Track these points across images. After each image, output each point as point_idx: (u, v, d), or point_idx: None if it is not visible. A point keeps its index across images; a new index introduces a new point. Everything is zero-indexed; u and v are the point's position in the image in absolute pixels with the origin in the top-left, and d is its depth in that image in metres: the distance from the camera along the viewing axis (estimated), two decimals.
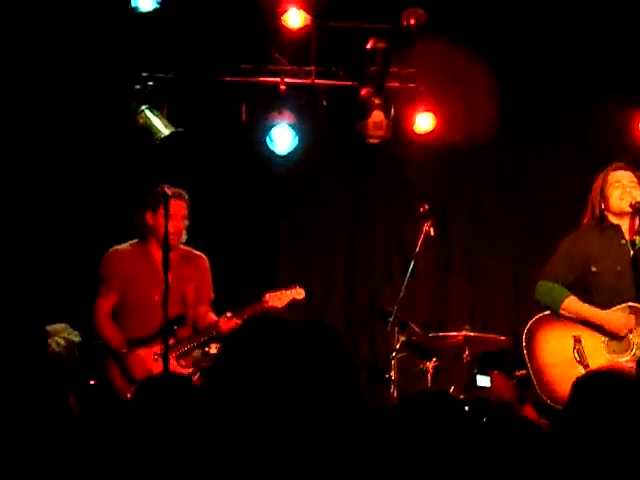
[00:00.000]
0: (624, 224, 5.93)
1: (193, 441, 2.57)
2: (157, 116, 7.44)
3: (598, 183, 6.02)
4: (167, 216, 5.91)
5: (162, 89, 7.57)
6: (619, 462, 2.84)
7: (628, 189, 5.90)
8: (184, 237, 6.45)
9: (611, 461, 2.87)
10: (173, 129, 7.40)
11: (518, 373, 6.62)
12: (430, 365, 7.07)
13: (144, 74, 7.57)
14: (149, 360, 6.16)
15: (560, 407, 5.55)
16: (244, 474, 1.78)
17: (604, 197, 5.96)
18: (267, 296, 6.42)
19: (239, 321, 6.23)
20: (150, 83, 7.53)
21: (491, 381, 7.01)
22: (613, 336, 5.79)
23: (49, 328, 6.14)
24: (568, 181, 8.06)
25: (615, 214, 5.93)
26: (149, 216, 6.33)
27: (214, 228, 6.92)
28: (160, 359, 5.96)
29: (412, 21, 7.56)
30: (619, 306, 5.78)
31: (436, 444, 2.52)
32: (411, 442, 2.51)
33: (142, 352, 6.17)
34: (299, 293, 6.53)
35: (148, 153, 7.45)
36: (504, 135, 8.27)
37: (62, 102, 7.49)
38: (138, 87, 7.48)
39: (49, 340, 6.07)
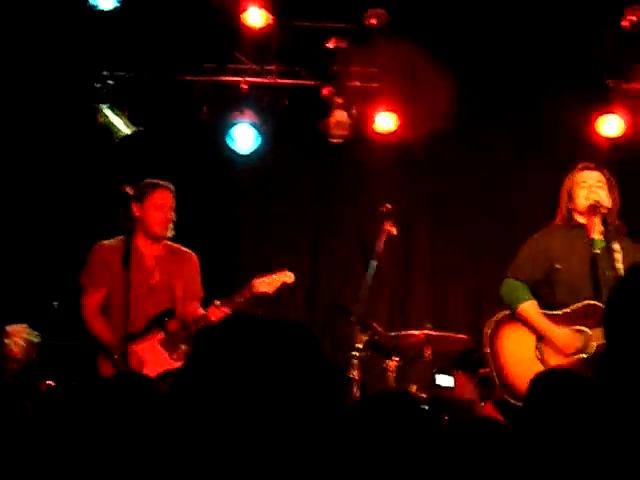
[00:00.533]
0: (588, 224, 5.98)
1: (161, 443, 2.55)
2: (117, 115, 7.41)
3: (566, 183, 6.08)
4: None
5: (123, 88, 7.54)
6: (574, 460, 2.86)
7: (594, 189, 5.95)
8: (170, 232, 6.33)
9: (567, 459, 2.89)
10: (134, 128, 7.38)
11: (482, 371, 6.65)
12: (392, 364, 7.06)
13: (104, 73, 7.53)
14: (143, 354, 6.06)
15: (519, 403, 5.60)
16: (215, 472, 1.77)
17: (571, 197, 6.01)
18: (255, 282, 6.20)
19: (228, 310, 6.11)
20: (110, 82, 7.49)
21: (454, 380, 7.03)
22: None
23: (8, 329, 6.11)
24: (529, 180, 8.13)
25: (581, 213, 5.99)
26: (136, 208, 6.15)
27: (175, 228, 6.85)
28: (161, 348, 5.97)
29: (374, 21, 7.59)
30: (575, 305, 5.83)
31: (394, 443, 2.52)
32: (369, 441, 2.51)
33: (135, 346, 6.04)
34: (289, 276, 6.32)
35: (108, 152, 7.42)
36: (465, 135, 8.32)
37: (22, 101, 7.43)
38: (98, 86, 7.44)
39: (7, 341, 6.06)
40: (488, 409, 6.34)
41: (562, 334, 5.81)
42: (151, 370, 5.95)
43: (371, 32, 7.62)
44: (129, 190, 5.98)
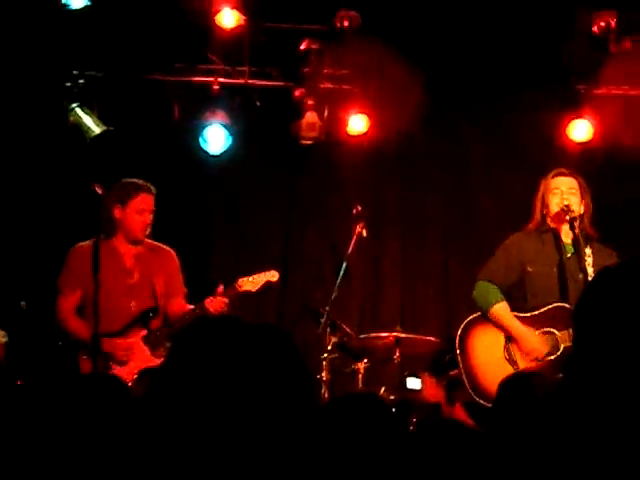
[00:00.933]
0: (561, 228, 6.06)
1: (132, 445, 2.54)
2: (88, 114, 7.38)
3: (540, 188, 6.15)
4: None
5: (93, 87, 7.50)
6: (541, 463, 2.87)
7: (566, 195, 6.01)
8: (148, 230, 6.34)
9: (534, 461, 2.90)
10: (104, 128, 7.35)
11: (452, 373, 6.68)
12: (361, 366, 7.07)
13: (75, 72, 7.49)
14: (125, 351, 6.04)
15: (488, 404, 5.64)
16: (190, 475, 1.77)
17: (544, 203, 6.08)
18: (240, 280, 6.26)
19: (226, 300, 6.14)
20: (81, 81, 7.46)
21: (421, 383, 7.05)
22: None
23: None
24: (500, 183, 8.17)
25: (553, 219, 6.06)
26: (117, 210, 6.18)
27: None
28: (143, 346, 5.99)
29: (346, 23, 7.59)
30: (547, 306, 5.89)
31: (362, 444, 2.52)
32: (337, 442, 2.52)
33: (117, 344, 6.04)
34: (273, 275, 6.39)
35: (79, 151, 7.38)
36: (436, 137, 8.36)
37: None
38: (69, 85, 7.40)
39: None
40: (458, 411, 6.37)
41: (531, 338, 5.87)
42: (133, 367, 5.97)
43: (343, 34, 7.62)
44: (99, 189, 5.94)
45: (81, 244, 6.22)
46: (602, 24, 7.45)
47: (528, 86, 7.84)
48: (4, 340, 6.08)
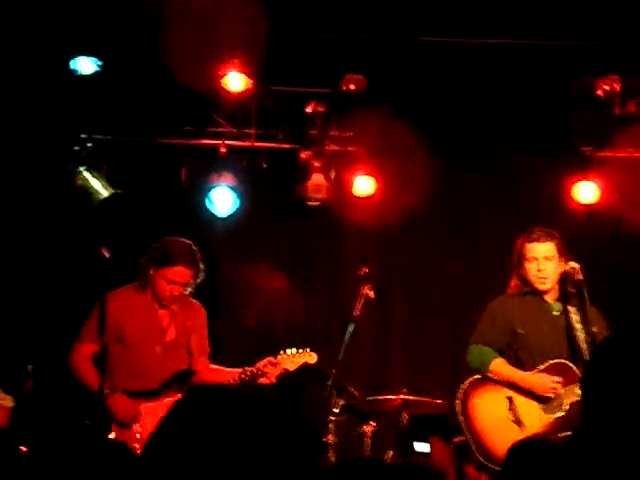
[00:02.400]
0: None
1: None
2: (96, 177, 7.41)
3: (516, 251, 6.13)
4: None
5: (101, 150, 7.55)
6: None
7: (542, 267, 5.99)
8: (189, 289, 6.27)
9: None
10: (112, 191, 7.38)
11: (456, 440, 6.63)
12: (368, 429, 7.01)
13: (83, 135, 7.54)
14: (154, 412, 5.89)
15: (497, 467, 5.60)
16: None
17: (521, 268, 6.07)
18: (279, 357, 6.22)
19: (278, 372, 6.15)
20: (89, 144, 7.50)
21: (430, 447, 6.98)
22: (541, 398, 5.87)
23: None
24: (507, 245, 8.16)
25: (529, 285, 6.06)
26: (152, 269, 6.14)
27: None
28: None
29: (352, 86, 7.66)
30: (544, 364, 5.87)
31: None
32: None
33: (147, 405, 5.93)
34: (312, 357, 6.36)
35: (87, 215, 7.40)
36: (444, 200, 8.37)
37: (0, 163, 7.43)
38: (77, 148, 7.45)
39: None
40: (470, 470, 6.33)
41: (537, 378, 5.84)
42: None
43: (349, 97, 7.68)
44: (106, 253, 5.93)
45: (114, 292, 6.05)
46: (606, 88, 7.51)
47: (534, 148, 7.89)
48: (10, 405, 6.04)
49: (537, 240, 6.08)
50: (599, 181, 7.87)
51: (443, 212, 8.47)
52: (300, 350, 6.34)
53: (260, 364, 6.15)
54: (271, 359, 6.18)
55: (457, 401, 5.97)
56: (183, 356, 6.15)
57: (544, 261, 6.02)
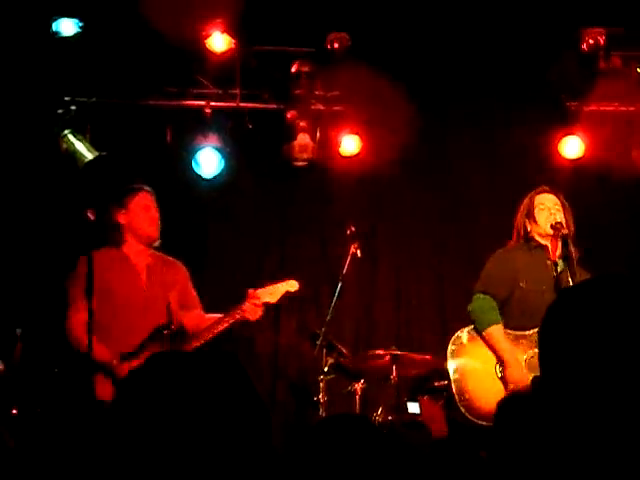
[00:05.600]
0: (549, 245, 6.05)
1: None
2: (80, 140, 7.38)
3: (524, 205, 6.15)
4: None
5: (85, 113, 7.51)
6: None
7: (553, 211, 6.03)
8: (158, 241, 6.21)
9: None
10: (97, 153, 7.35)
11: (437, 384, 6.68)
12: (358, 387, 7.05)
13: (66, 98, 7.50)
14: None
15: (478, 421, 5.65)
16: None
17: (531, 219, 6.08)
18: (258, 292, 6.06)
19: (262, 305, 6.01)
20: (73, 107, 7.46)
21: (420, 407, 7.01)
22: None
23: None
24: (493, 199, 8.18)
25: (541, 235, 6.05)
26: (121, 216, 6.04)
27: None
28: None
29: (336, 44, 7.62)
30: (530, 330, 5.87)
31: (350, 466, 2.51)
32: (325, 464, 2.51)
33: (133, 365, 5.69)
34: (292, 285, 6.20)
35: (72, 178, 7.37)
36: (429, 156, 8.38)
37: None
38: (60, 111, 7.41)
39: None
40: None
41: (517, 371, 5.83)
42: None
43: (333, 55, 7.65)
44: (91, 215, 5.89)
45: (98, 251, 5.90)
46: (591, 41, 7.49)
47: (519, 104, 7.89)
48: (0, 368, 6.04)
49: (545, 191, 6.15)
50: (584, 135, 7.88)
51: (429, 169, 8.47)
52: (279, 281, 6.21)
53: (242, 303, 6.06)
54: (251, 294, 6.05)
55: (450, 347, 5.99)
56: (161, 313, 6.09)
57: (555, 211, 6.05)
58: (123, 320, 5.77)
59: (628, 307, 1.82)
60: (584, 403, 1.78)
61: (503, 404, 3.57)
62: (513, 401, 3.56)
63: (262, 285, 6.15)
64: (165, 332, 5.87)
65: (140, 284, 6.05)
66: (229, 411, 1.79)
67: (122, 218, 6.07)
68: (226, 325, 6.01)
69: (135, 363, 5.71)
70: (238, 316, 6.00)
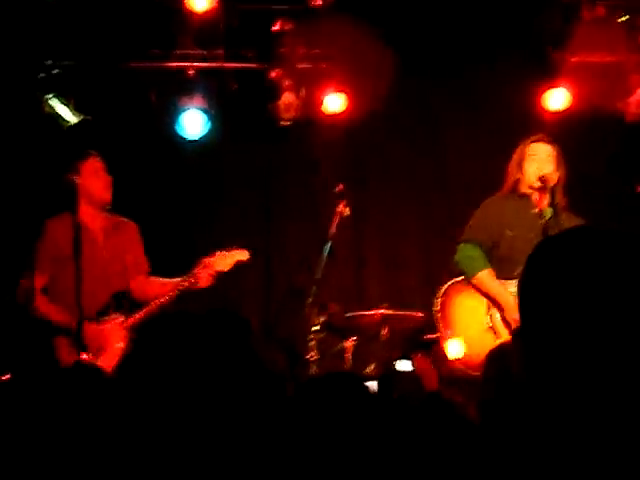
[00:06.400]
0: (535, 195, 6.05)
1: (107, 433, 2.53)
2: (63, 104, 7.33)
3: (517, 153, 6.14)
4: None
5: (68, 77, 7.45)
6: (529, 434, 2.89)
7: (544, 162, 6.03)
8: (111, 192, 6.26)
9: (521, 433, 2.91)
10: (80, 117, 7.30)
11: (427, 337, 6.70)
12: (349, 345, 7.09)
13: (49, 62, 7.43)
14: (106, 334, 5.89)
15: (469, 371, 5.67)
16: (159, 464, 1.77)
17: (521, 168, 6.08)
18: (211, 260, 6.18)
19: (214, 272, 6.13)
20: (55, 71, 7.40)
21: (413, 364, 7.01)
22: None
23: None
24: (479, 153, 8.17)
25: (529, 185, 6.06)
26: (75, 177, 6.02)
27: (126, 215, 6.80)
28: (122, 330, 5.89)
29: (319, 1, 7.56)
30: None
31: (339, 423, 2.52)
32: (314, 422, 2.51)
33: (96, 328, 5.88)
34: (243, 254, 6.32)
35: (55, 142, 7.33)
36: (414, 112, 8.36)
37: None
38: (43, 75, 7.35)
39: None
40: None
41: (513, 310, 5.85)
42: (112, 356, 5.85)
43: (316, 13, 7.59)
44: (77, 180, 5.89)
45: (55, 218, 6.08)
46: None
47: (502, 55, 7.84)
48: None
49: (539, 141, 6.13)
50: (569, 87, 7.85)
51: (414, 126, 8.45)
52: (230, 249, 6.31)
53: (194, 270, 6.14)
54: (202, 263, 6.16)
55: (436, 300, 6.00)
56: (120, 275, 6.13)
57: (545, 162, 6.03)
58: (83, 285, 5.72)
59: (609, 258, 1.81)
60: (564, 353, 1.78)
61: (492, 355, 3.59)
62: (501, 352, 3.58)
63: (214, 253, 6.25)
64: (124, 300, 5.95)
65: (97, 249, 6.08)
66: (226, 367, 1.80)
67: (77, 180, 6.03)
68: (177, 292, 6.11)
69: (94, 327, 5.78)
70: (188, 284, 6.10)
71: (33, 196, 7.06)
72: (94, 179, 6.16)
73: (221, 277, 6.32)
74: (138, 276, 6.31)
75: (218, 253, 6.26)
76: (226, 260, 6.24)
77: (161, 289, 6.19)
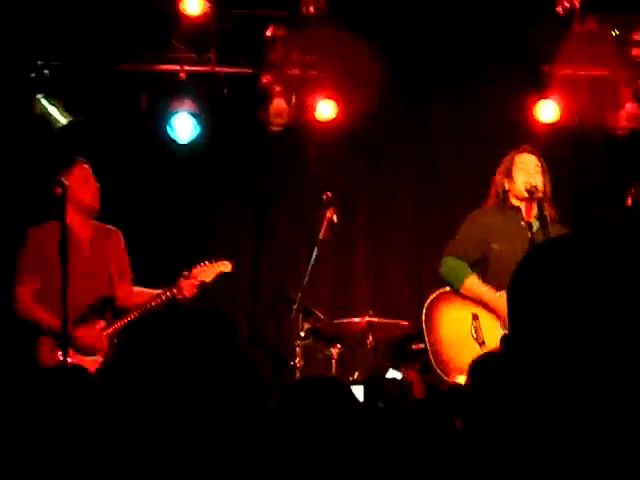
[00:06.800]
0: (523, 206, 6.06)
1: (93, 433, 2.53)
2: (54, 105, 7.31)
3: (504, 164, 6.14)
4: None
5: (59, 78, 7.44)
6: (515, 443, 2.89)
7: (532, 172, 6.03)
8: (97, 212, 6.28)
9: (508, 442, 2.91)
10: (71, 118, 7.29)
11: (415, 347, 6.71)
12: (334, 351, 7.09)
13: (39, 62, 7.42)
14: (88, 340, 5.95)
15: (456, 379, 5.68)
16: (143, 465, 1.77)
17: (510, 178, 6.08)
18: (194, 271, 6.31)
19: (197, 283, 6.26)
20: (46, 71, 7.39)
21: (403, 374, 7.01)
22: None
23: None
24: (469, 164, 8.19)
25: (517, 196, 6.06)
26: (64, 177, 5.89)
27: (115, 218, 6.79)
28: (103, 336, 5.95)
29: (312, 8, 7.57)
30: None
31: (322, 429, 2.52)
32: (296, 427, 2.51)
33: (80, 332, 5.93)
34: (225, 266, 6.46)
35: (46, 143, 7.32)
36: (404, 121, 8.38)
37: None
38: (33, 76, 7.34)
39: None
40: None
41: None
42: (95, 359, 5.88)
43: (309, 19, 7.60)
44: (65, 181, 5.86)
45: (36, 227, 6.10)
46: (566, 4, 7.47)
47: (493, 67, 7.87)
48: None
49: (527, 151, 6.13)
50: (559, 99, 7.88)
51: (406, 135, 8.47)
52: (213, 260, 6.46)
53: (177, 281, 6.24)
54: (186, 273, 6.29)
55: (423, 310, 6.01)
56: (104, 282, 6.17)
57: (534, 172, 6.04)
58: (68, 291, 5.74)
59: (598, 265, 1.82)
60: (553, 360, 1.79)
61: (476, 364, 3.59)
62: (486, 360, 3.58)
63: (198, 264, 6.39)
64: (106, 307, 6.00)
65: (83, 255, 6.10)
66: (211, 365, 1.80)
67: (65, 179, 5.92)
68: (159, 302, 6.21)
69: (77, 332, 5.83)
70: (172, 294, 6.21)
71: (20, 202, 7.05)
72: (82, 185, 6.15)
73: (205, 288, 6.39)
74: (122, 284, 6.34)
75: (202, 264, 6.39)
76: (209, 271, 6.39)
77: (144, 298, 6.28)
